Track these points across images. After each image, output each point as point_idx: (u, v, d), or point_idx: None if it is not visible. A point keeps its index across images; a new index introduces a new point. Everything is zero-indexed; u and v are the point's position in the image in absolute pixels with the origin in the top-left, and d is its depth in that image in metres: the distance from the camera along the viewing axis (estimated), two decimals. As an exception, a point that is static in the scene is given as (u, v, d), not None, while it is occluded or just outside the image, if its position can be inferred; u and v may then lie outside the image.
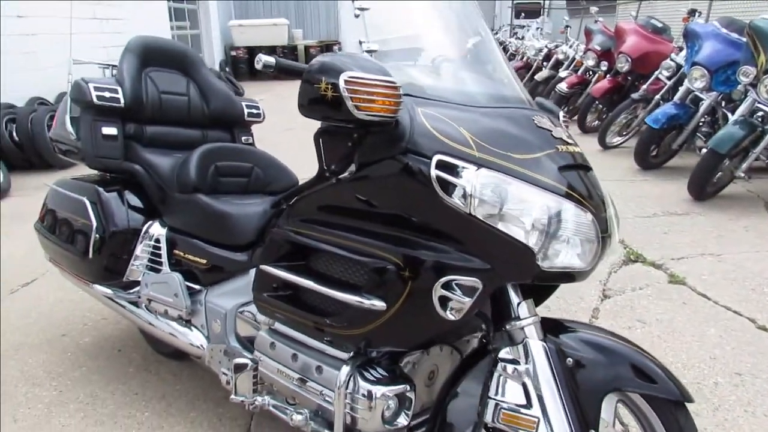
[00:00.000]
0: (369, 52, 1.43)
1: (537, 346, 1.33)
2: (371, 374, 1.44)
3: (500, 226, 1.23)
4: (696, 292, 3.05)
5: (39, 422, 2.11)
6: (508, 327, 1.36)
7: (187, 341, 1.97)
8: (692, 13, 7.07)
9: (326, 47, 14.71)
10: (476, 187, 1.22)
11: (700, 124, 5.37)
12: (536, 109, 1.48)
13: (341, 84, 1.20)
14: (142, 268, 2.11)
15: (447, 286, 1.29)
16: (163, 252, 2.06)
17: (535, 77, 9.87)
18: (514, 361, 1.34)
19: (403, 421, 1.45)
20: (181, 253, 2.02)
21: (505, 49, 13.09)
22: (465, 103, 1.38)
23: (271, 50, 13.79)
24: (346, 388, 1.43)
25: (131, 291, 2.15)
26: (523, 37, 12.14)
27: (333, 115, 1.26)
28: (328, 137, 1.38)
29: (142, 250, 2.10)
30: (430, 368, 1.61)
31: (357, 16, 1.41)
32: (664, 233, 3.94)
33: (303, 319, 1.52)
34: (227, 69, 13.75)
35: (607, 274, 3.28)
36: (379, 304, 1.34)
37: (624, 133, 6.54)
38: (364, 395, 1.41)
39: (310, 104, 1.28)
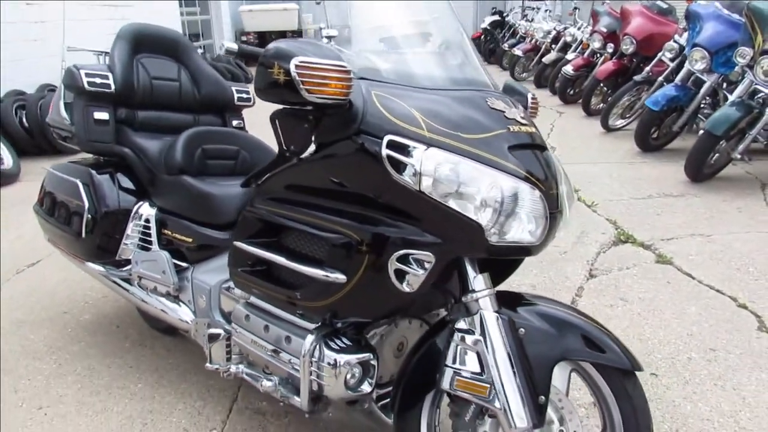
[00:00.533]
0: (328, 38, 1.49)
1: (491, 317, 1.39)
2: (336, 344, 1.53)
3: (450, 203, 1.29)
4: (681, 271, 3.10)
5: (38, 392, 2.23)
6: (464, 299, 1.43)
7: (175, 316, 2.07)
8: (698, -7, 7.00)
9: (335, 31, 14.67)
10: (425, 166, 1.28)
11: (702, 105, 5.36)
12: (495, 91, 1.53)
13: (292, 68, 1.27)
14: (133, 247, 2.20)
15: (402, 259, 1.36)
16: (153, 231, 2.16)
17: (543, 60, 9.87)
18: (469, 332, 1.41)
19: (366, 387, 1.54)
20: (170, 233, 2.12)
21: (514, 32, 13.04)
22: (421, 85, 1.44)
23: (281, 35, 13.81)
24: (312, 356, 1.52)
25: (124, 269, 2.25)
26: (532, 20, 12.07)
27: (287, 98, 1.33)
28: (285, 119, 1.45)
29: (132, 229, 2.20)
30: (399, 340, 1.69)
31: (318, 3, 1.47)
32: (657, 215, 3.98)
33: (274, 292, 1.61)
34: None
35: (595, 254, 3.34)
36: (340, 277, 1.42)
37: (627, 115, 6.53)
38: (329, 363, 1.49)
39: (265, 88, 1.34)
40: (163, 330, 2.55)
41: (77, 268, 2.47)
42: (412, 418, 1.52)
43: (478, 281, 1.42)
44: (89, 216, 2.16)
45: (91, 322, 2.74)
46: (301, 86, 1.27)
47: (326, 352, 1.50)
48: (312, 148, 1.43)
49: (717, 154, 4.57)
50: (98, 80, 2.20)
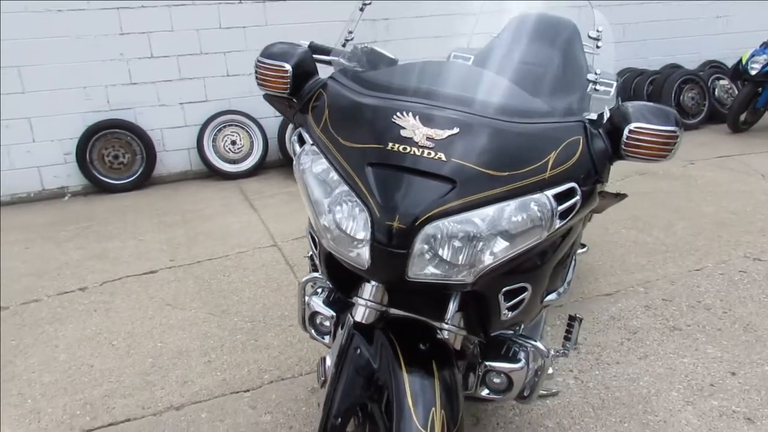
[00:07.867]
0: (347, 41, 1.68)
1: (346, 322, 1.50)
2: (324, 293, 1.71)
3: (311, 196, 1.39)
4: None
5: (254, 295, 3.14)
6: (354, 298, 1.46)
7: None
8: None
9: None
10: (301, 159, 1.43)
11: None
12: (450, 108, 1.35)
13: (256, 66, 1.57)
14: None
15: None
16: None
17: None
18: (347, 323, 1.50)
19: (327, 340, 1.68)
20: None
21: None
22: (373, 93, 1.44)
23: None
24: (304, 290, 1.72)
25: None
26: None
27: (259, 88, 1.61)
28: (271, 101, 1.71)
29: None
30: None
31: (361, 9, 1.67)
32: None
33: None
34: None
35: None
36: None
37: None
38: (308, 302, 1.69)
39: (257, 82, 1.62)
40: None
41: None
42: None
43: (366, 289, 1.41)
44: None
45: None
46: (257, 80, 1.58)
47: (311, 293, 1.71)
48: None
49: None
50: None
